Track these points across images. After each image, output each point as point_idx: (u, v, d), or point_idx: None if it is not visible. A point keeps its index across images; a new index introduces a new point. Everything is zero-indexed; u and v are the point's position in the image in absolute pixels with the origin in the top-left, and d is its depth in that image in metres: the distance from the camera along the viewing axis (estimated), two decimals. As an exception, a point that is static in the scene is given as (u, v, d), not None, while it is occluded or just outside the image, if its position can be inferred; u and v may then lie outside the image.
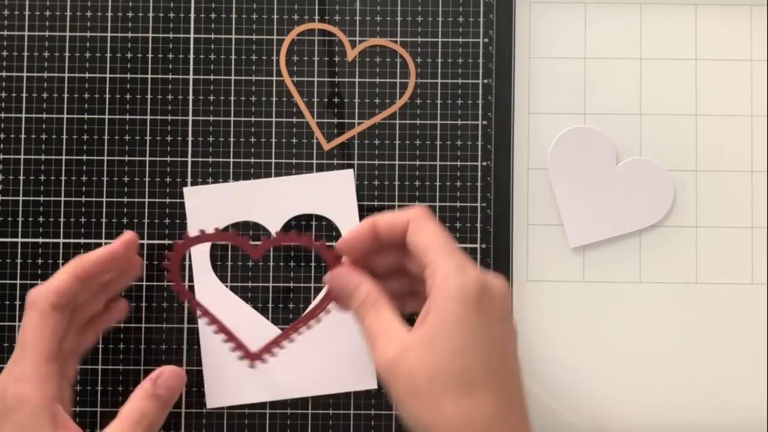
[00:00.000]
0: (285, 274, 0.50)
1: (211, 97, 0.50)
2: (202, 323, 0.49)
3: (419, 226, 0.40)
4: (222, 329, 0.46)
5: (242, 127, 0.50)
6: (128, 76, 0.50)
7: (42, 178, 0.50)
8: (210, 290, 0.49)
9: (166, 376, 0.44)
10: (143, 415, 0.42)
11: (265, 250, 0.48)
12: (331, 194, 0.49)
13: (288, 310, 0.50)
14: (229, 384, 0.49)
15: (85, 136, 0.50)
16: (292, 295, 0.50)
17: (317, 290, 0.50)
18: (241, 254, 0.50)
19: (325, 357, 0.49)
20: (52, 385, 0.40)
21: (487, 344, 0.37)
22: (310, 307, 0.48)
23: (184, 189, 0.50)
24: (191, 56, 0.50)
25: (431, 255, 0.39)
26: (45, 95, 0.50)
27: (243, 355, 0.47)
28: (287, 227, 0.50)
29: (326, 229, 0.50)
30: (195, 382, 0.48)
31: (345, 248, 0.42)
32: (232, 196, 0.50)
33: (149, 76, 0.50)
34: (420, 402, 0.37)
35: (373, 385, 0.49)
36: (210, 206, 0.50)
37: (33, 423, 0.39)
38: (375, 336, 0.39)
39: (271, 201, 0.50)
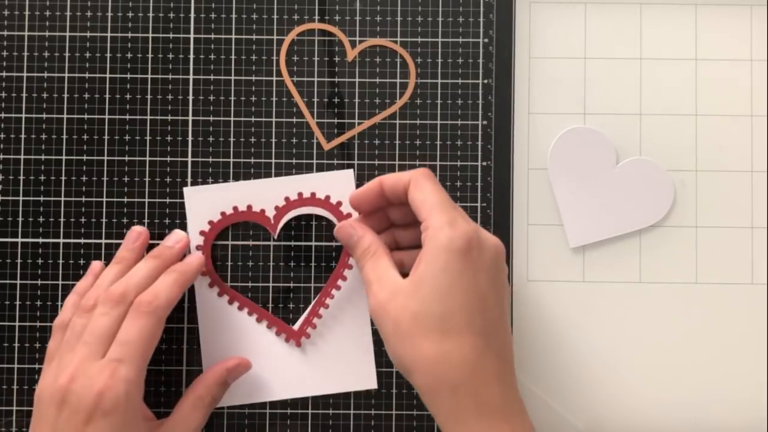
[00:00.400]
0: (285, 274, 0.50)
1: (211, 97, 0.50)
2: (204, 323, 0.49)
3: (419, 184, 0.43)
4: (264, 315, 0.49)
5: (242, 127, 0.50)
6: (128, 76, 0.50)
7: (42, 178, 0.50)
8: (210, 290, 0.49)
9: (241, 368, 0.48)
10: (214, 399, 0.47)
11: (279, 223, 0.49)
12: (331, 194, 0.49)
13: (288, 310, 0.50)
14: (229, 384, 0.49)
15: (85, 136, 0.50)
16: (292, 295, 0.50)
17: (317, 290, 0.50)
18: (240, 254, 0.50)
19: (325, 357, 0.49)
20: (143, 384, 0.44)
21: (469, 293, 0.40)
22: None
23: (184, 189, 0.50)
24: (191, 56, 0.50)
25: (426, 210, 0.42)
26: (45, 95, 0.50)
27: (287, 336, 0.49)
28: (287, 227, 0.50)
29: (326, 229, 0.50)
30: (195, 382, 0.48)
31: (355, 202, 0.46)
32: (232, 196, 0.50)
33: (149, 76, 0.50)
34: (403, 342, 0.41)
35: (373, 385, 0.49)
36: (210, 206, 0.50)
37: (133, 418, 0.43)
38: (371, 282, 0.43)
39: (271, 201, 0.50)
